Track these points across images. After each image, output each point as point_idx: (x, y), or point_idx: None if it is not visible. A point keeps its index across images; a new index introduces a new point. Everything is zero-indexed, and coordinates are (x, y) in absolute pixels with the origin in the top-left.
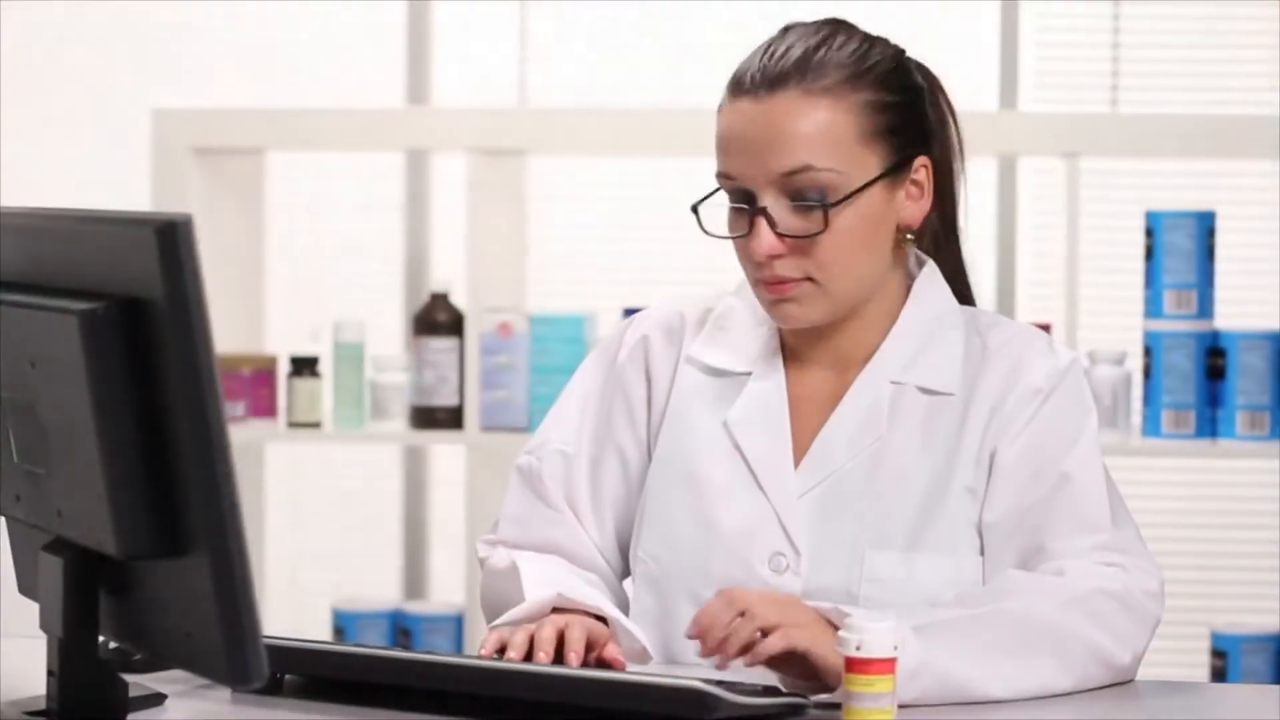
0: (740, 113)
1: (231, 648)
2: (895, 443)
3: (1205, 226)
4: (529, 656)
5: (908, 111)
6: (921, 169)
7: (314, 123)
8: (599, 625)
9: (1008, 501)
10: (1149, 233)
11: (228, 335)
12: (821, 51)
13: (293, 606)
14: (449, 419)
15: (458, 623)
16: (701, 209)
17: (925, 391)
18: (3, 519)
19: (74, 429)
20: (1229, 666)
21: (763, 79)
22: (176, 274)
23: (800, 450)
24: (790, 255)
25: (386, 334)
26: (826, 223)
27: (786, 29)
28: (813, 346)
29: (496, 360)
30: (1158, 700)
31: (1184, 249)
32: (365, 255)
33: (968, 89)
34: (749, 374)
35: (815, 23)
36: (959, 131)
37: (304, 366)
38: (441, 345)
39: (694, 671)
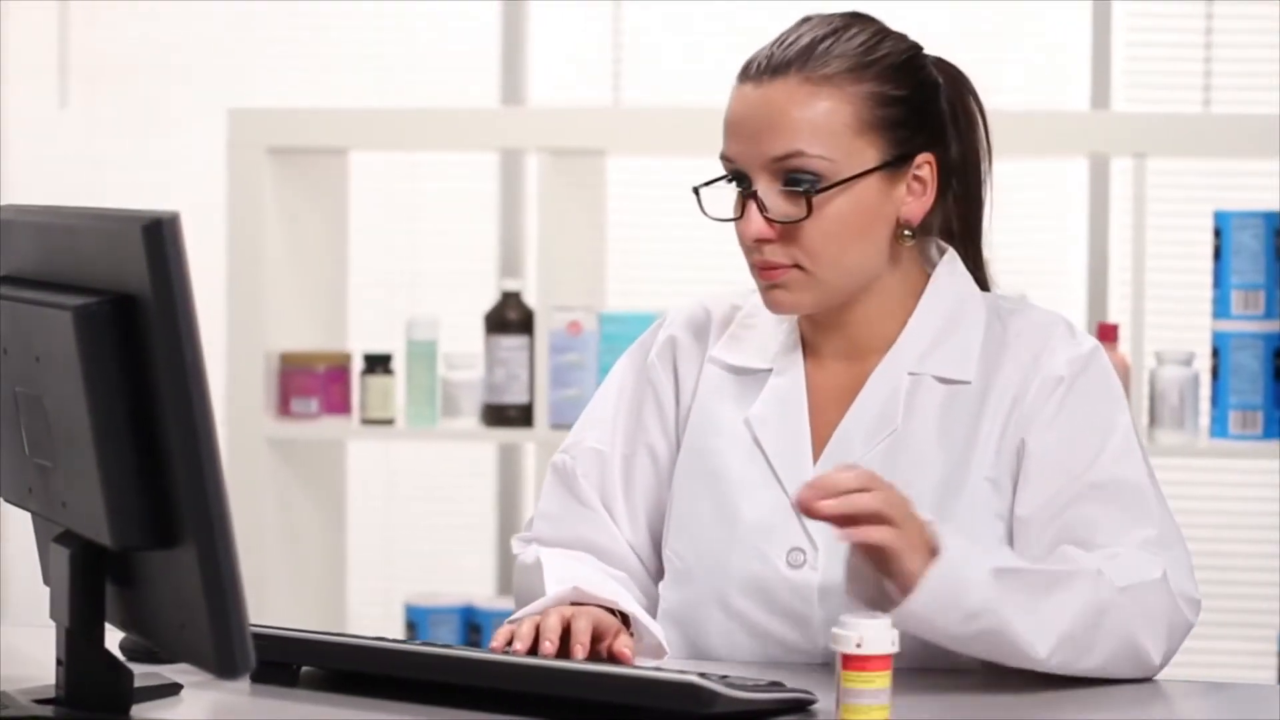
0: (743, 97)
1: (219, 638)
2: (912, 434)
3: (1273, 226)
4: (536, 648)
5: (914, 107)
6: (925, 165)
7: (399, 123)
8: (608, 617)
9: (1042, 497)
10: (1217, 233)
11: (303, 333)
12: (828, 41)
13: (385, 602)
14: (520, 416)
15: None
16: (708, 191)
17: (942, 381)
18: (17, 511)
19: (73, 422)
20: None
21: (767, 66)
22: (162, 270)
23: (820, 444)
24: (780, 242)
25: (481, 333)
26: (810, 208)
27: (805, 19)
28: (830, 339)
29: (566, 358)
30: (1223, 701)
31: (1252, 249)
32: (460, 254)
33: (1059, 89)
34: (769, 370)
35: (833, 14)
36: (988, 133)
37: (377, 364)
38: (512, 343)
39: (712, 668)
